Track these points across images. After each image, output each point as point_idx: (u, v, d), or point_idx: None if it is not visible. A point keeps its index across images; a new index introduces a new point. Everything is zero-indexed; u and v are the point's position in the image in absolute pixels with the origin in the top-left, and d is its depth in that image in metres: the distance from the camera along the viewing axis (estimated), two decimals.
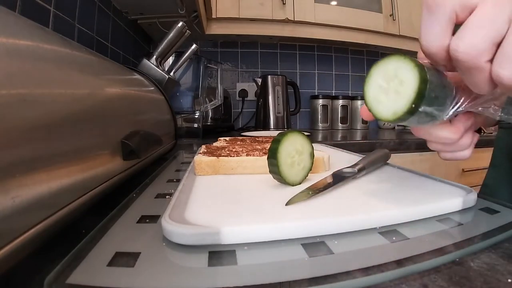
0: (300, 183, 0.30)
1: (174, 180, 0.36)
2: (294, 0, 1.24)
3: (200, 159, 0.35)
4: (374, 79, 0.21)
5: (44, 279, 0.15)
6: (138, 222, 0.22)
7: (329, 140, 0.89)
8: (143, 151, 0.31)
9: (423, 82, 0.19)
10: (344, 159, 0.45)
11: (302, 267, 0.16)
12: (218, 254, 0.17)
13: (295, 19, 1.25)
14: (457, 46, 0.18)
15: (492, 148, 0.53)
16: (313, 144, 0.32)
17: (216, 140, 0.57)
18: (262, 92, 1.31)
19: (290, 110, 1.36)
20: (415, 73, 0.19)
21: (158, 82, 0.56)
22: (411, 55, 0.19)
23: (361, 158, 0.38)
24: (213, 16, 1.18)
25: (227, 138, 0.60)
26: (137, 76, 0.46)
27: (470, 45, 0.17)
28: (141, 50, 1.14)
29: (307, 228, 0.20)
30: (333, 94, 1.57)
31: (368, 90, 0.21)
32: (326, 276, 0.15)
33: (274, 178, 0.29)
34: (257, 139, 0.59)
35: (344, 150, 0.56)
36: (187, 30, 0.73)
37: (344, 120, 1.51)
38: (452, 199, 0.24)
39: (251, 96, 1.48)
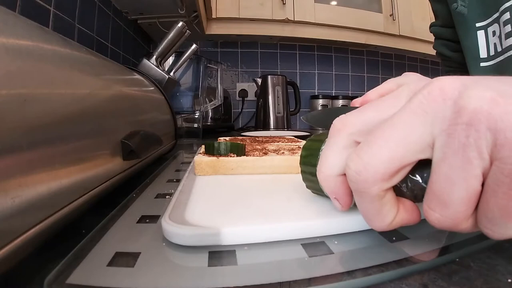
0: None
1: (174, 180, 0.36)
2: (294, 0, 1.24)
3: (200, 159, 0.35)
4: None
5: (44, 279, 0.15)
6: (138, 222, 0.22)
7: None
8: (143, 151, 0.31)
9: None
10: None
11: (302, 267, 0.16)
12: (218, 254, 0.17)
13: (295, 19, 1.25)
14: None
15: None
16: None
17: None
18: (262, 92, 1.31)
19: (290, 110, 1.36)
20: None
21: (158, 82, 0.56)
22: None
23: None
24: (213, 16, 1.18)
25: (227, 138, 0.60)
26: (137, 76, 0.46)
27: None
28: (141, 50, 1.14)
29: (307, 228, 0.20)
30: (333, 94, 1.57)
31: None
32: (326, 276, 0.15)
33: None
34: (257, 139, 0.59)
35: None
36: (187, 30, 0.73)
37: None
38: None
39: (251, 96, 1.48)
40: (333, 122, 0.18)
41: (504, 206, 0.12)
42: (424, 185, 0.15)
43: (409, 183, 0.16)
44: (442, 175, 0.13)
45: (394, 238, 0.19)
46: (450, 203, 0.13)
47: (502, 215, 0.12)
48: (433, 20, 0.59)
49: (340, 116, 0.18)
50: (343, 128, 0.17)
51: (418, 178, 0.16)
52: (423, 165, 0.15)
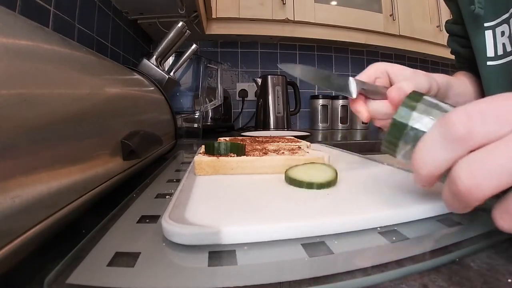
0: None
1: (174, 180, 0.36)
2: (294, 0, 1.24)
3: (200, 159, 0.35)
4: None
5: (44, 279, 0.15)
6: (138, 222, 0.22)
7: (329, 140, 0.89)
8: (143, 151, 0.31)
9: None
10: (344, 159, 0.45)
11: (302, 267, 0.16)
12: (218, 254, 0.17)
13: (295, 19, 1.25)
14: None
15: None
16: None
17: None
18: (262, 92, 1.31)
19: (290, 110, 1.36)
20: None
21: (158, 82, 0.56)
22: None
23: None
24: (213, 16, 1.18)
25: (227, 138, 0.60)
26: (137, 76, 0.46)
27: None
28: (141, 50, 1.14)
29: (307, 228, 0.20)
30: (333, 94, 1.57)
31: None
32: (326, 276, 0.15)
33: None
34: (257, 139, 0.59)
35: (344, 150, 0.56)
36: (187, 30, 0.73)
37: (344, 120, 1.51)
38: None
39: (251, 96, 1.48)
40: (454, 120, 0.16)
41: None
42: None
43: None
44: None
45: (394, 238, 0.19)
46: None
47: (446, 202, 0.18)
48: (433, 20, 0.60)
49: (463, 118, 0.16)
50: (467, 139, 0.16)
51: None
52: None
